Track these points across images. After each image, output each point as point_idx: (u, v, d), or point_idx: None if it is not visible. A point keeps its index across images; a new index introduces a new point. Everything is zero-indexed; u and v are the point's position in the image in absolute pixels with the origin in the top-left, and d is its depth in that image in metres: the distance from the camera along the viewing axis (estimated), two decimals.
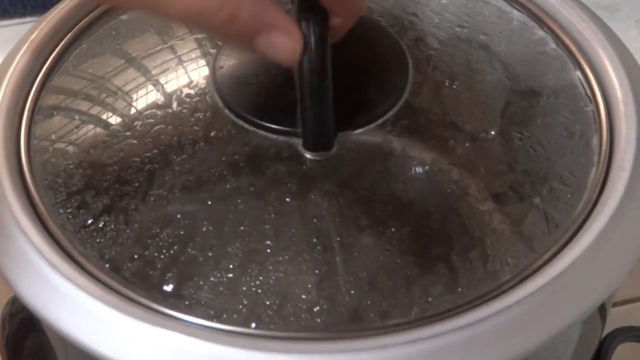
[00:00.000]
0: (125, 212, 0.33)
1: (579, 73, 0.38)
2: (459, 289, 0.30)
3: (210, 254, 0.31)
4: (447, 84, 0.37)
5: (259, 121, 0.35)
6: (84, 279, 0.30)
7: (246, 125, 0.35)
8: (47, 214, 0.32)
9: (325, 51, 0.32)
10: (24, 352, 0.42)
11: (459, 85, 0.37)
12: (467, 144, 0.35)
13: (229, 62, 0.37)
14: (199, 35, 0.39)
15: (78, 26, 0.39)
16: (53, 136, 0.36)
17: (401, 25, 0.40)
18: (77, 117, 0.36)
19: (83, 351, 0.29)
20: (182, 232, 0.32)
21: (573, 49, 0.39)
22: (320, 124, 0.34)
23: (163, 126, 0.35)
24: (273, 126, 0.35)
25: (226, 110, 0.35)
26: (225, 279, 0.31)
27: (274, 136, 0.35)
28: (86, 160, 0.35)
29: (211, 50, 0.38)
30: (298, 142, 0.34)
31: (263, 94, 0.36)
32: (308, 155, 0.34)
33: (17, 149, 0.35)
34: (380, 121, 0.35)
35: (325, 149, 0.34)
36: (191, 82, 0.37)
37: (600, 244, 0.30)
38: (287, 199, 0.33)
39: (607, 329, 0.42)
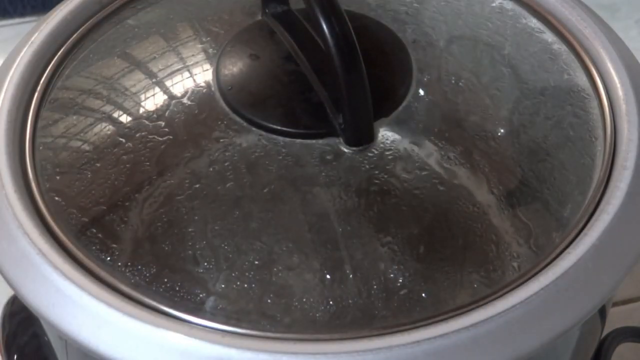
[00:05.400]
0: (129, 213, 0.33)
1: (580, 72, 0.38)
2: (464, 289, 0.30)
3: (214, 256, 0.31)
4: (451, 82, 0.37)
5: (290, 130, 0.34)
6: (87, 279, 0.30)
7: (280, 138, 0.34)
8: (50, 216, 0.32)
9: (355, 42, 0.32)
10: (24, 352, 0.42)
11: (462, 83, 0.37)
12: (470, 144, 0.35)
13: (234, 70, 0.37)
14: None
15: (81, 28, 0.39)
16: (56, 138, 0.36)
17: (403, 23, 0.40)
18: (80, 119, 0.36)
19: (82, 351, 0.29)
20: (186, 233, 0.32)
21: (574, 48, 0.39)
22: (361, 116, 0.33)
23: (168, 130, 0.35)
24: (307, 132, 0.34)
25: (253, 128, 0.35)
26: (230, 281, 0.31)
27: (311, 141, 0.34)
28: (90, 161, 0.34)
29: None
30: (337, 141, 0.34)
31: (281, 103, 0.36)
32: (349, 151, 0.34)
33: (20, 150, 0.34)
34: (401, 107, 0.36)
35: (368, 141, 0.34)
36: (200, 90, 0.37)
37: (604, 243, 0.31)
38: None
39: (607, 329, 0.43)
